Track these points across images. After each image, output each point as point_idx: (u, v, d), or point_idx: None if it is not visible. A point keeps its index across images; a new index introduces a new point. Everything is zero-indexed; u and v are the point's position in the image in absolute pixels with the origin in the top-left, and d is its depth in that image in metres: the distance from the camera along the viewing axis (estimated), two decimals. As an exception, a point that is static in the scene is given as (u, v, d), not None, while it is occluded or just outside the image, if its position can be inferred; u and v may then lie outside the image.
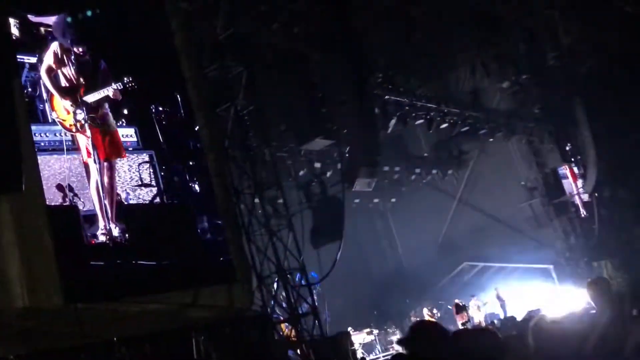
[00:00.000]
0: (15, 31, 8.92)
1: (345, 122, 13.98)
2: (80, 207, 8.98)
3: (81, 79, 9.29)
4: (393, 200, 24.04)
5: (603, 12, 17.73)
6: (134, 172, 9.86)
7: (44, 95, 9.12)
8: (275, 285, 11.72)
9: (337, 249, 12.59)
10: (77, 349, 8.29)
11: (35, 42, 9.20)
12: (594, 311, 5.54)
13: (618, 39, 18.41)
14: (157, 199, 10.11)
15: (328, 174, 17.12)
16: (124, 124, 9.93)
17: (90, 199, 9.16)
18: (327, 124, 13.75)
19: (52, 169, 8.88)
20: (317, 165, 16.91)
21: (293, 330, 11.38)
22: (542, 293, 19.37)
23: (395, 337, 18.43)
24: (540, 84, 20.23)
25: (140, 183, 9.88)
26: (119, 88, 9.26)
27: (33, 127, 8.71)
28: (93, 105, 9.29)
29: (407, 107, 17.20)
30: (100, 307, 8.44)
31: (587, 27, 18.30)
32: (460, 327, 16.48)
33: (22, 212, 8.01)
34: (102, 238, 9.08)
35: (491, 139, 20.70)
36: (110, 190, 9.30)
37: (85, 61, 9.35)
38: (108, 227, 9.12)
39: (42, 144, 8.88)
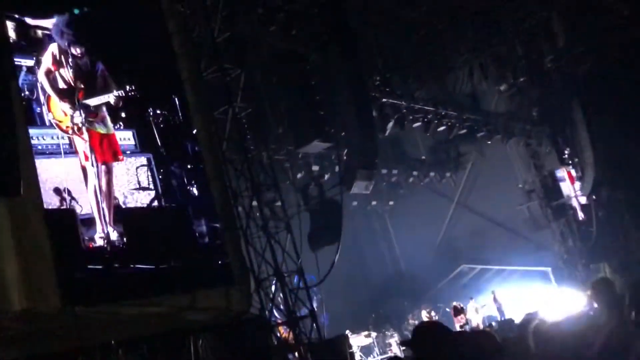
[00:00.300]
0: (12, 34, 8.90)
1: (343, 124, 13.99)
2: (78, 211, 8.95)
3: (79, 82, 9.29)
4: (391, 202, 23.99)
5: (600, 15, 17.77)
6: (131, 176, 9.83)
7: (42, 98, 9.09)
8: (273, 287, 11.70)
9: (335, 252, 12.58)
10: (74, 352, 8.26)
11: (33, 44, 9.17)
12: (592, 313, 5.53)
13: (615, 42, 18.45)
14: (155, 202, 10.09)
15: (326, 176, 17.13)
16: (122, 127, 9.89)
17: (88, 203, 9.14)
18: (325, 126, 13.74)
19: (50, 172, 8.82)
20: (315, 167, 16.90)
21: (291, 333, 11.35)
22: (540, 295, 19.33)
23: (393, 340, 18.39)
24: (538, 87, 20.27)
25: (138, 186, 9.86)
26: (121, 95, 9.26)
27: (31, 131, 8.69)
28: (91, 109, 9.28)
29: (404, 110, 17.24)
30: (98, 311, 8.42)
31: (584, 29, 18.33)
32: (459, 329, 16.47)
33: (20, 215, 8.00)
34: (99, 242, 9.05)
35: (489, 142, 20.74)
36: (108, 193, 9.29)
37: (84, 63, 9.35)
38: (106, 231, 9.10)
39: (40, 147, 8.84)
